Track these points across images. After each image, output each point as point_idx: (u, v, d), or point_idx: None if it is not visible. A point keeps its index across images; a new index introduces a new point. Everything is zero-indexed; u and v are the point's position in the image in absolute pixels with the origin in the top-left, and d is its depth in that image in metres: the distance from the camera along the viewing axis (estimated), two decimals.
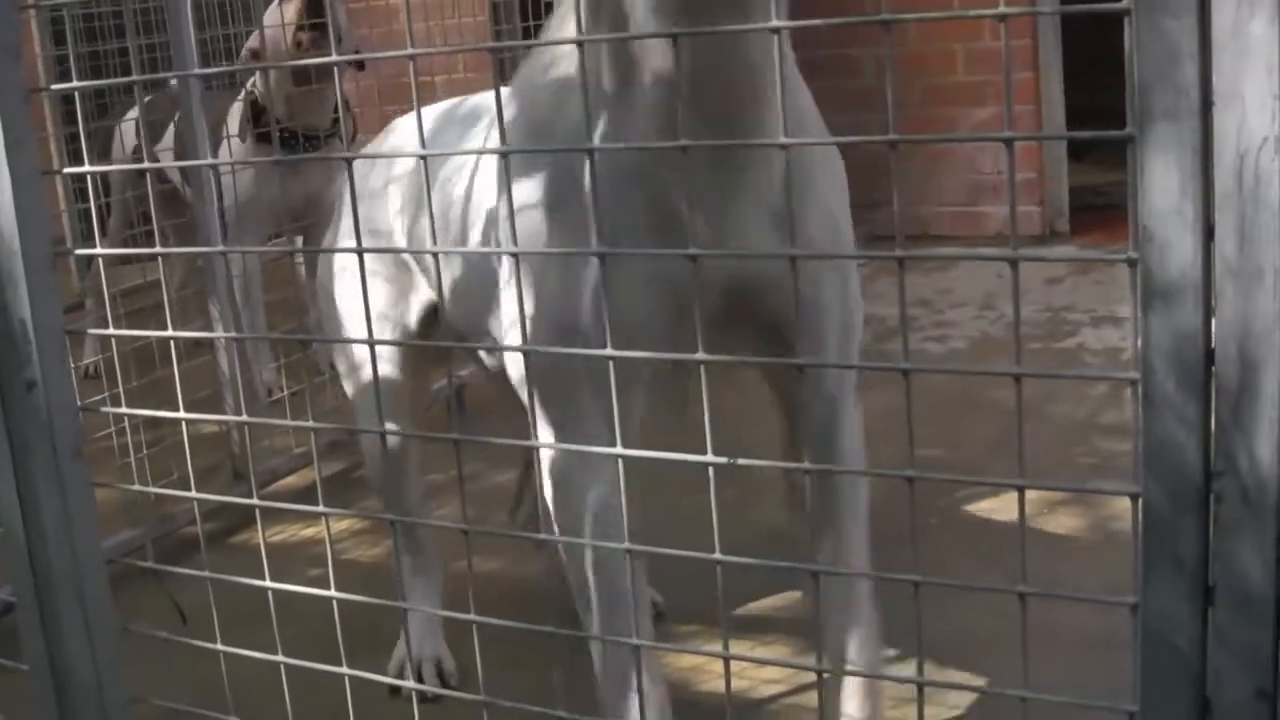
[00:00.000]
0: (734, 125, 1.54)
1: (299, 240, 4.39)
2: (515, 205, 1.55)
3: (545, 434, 1.68)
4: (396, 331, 2.36)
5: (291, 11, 4.00)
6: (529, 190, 1.67)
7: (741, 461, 1.17)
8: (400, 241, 2.27)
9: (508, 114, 1.66)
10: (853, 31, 5.21)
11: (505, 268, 1.81)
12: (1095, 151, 6.60)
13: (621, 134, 1.59)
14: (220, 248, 3.56)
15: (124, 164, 4.54)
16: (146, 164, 4.23)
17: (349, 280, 2.36)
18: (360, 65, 4.47)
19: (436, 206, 1.99)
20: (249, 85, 4.28)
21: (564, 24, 1.70)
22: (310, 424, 1.60)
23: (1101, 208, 5.99)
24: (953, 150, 5.93)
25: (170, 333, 1.49)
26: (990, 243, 5.72)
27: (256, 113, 4.16)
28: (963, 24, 5.72)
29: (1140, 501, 0.99)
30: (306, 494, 3.51)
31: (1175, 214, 0.95)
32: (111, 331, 1.54)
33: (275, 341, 4.17)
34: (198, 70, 3.32)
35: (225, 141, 4.09)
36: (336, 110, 4.23)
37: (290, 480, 3.66)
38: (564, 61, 1.68)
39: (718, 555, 1.21)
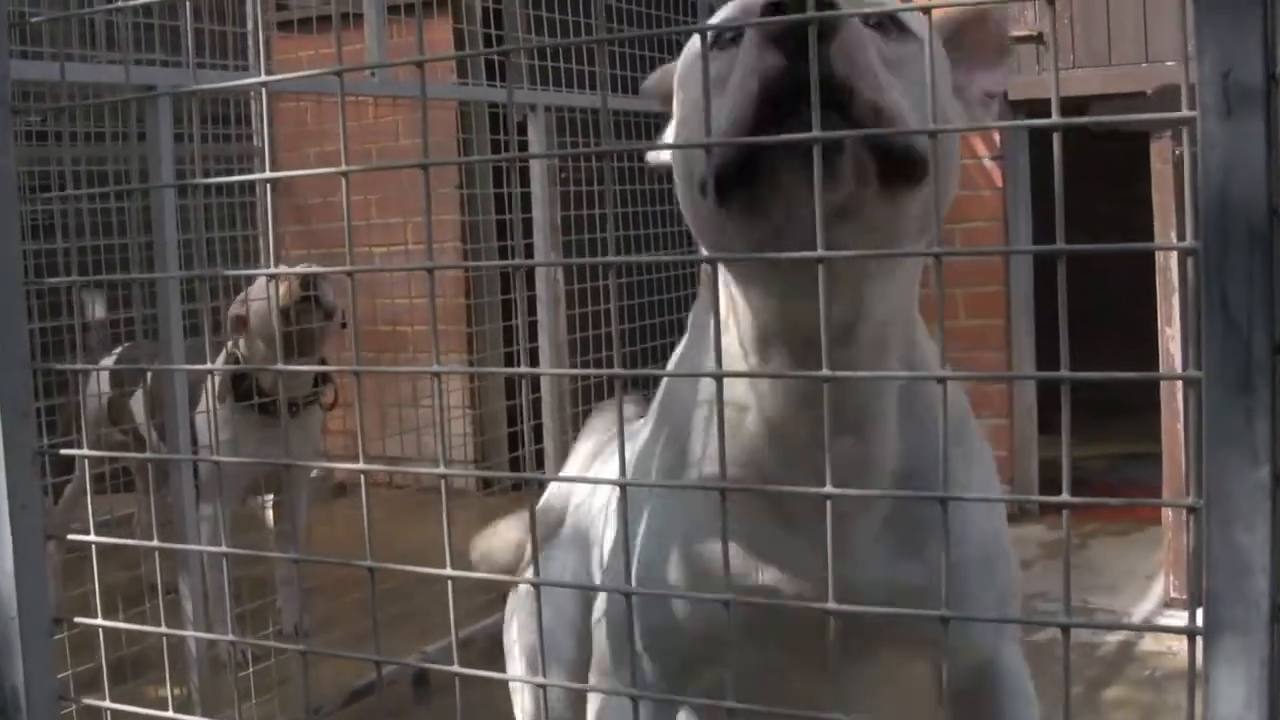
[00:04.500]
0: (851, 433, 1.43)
1: (269, 503, 4.34)
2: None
3: None
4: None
5: (284, 291, 4.04)
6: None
7: None
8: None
9: (659, 438, 1.62)
10: None
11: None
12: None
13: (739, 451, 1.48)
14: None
15: (96, 410, 4.49)
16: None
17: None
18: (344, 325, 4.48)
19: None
20: (229, 347, 4.28)
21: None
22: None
23: (1071, 483, 5.98)
24: None
25: (169, 717, 1.44)
26: None
27: (238, 379, 4.15)
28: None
29: None
30: None
31: None
32: (106, 704, 1.49)
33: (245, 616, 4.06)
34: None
35: (209, 408, 4.05)
36: (316, 381, 4.26)
37: None
38: (709, 385, 1.53)
39: None
